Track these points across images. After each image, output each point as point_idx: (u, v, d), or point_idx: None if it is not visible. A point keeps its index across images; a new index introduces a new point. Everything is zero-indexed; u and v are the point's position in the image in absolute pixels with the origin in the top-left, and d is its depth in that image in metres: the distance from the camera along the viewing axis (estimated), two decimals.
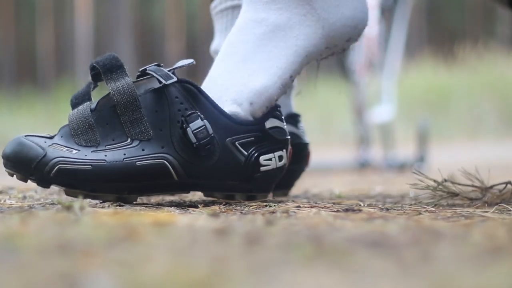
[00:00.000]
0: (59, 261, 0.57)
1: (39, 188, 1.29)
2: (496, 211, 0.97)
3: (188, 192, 1.06)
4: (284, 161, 1.06)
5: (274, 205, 1.02)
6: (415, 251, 0.63)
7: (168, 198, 1.21)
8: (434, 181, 1.09)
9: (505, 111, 7.37)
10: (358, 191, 1.41)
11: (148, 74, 1.04)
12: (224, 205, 1.04)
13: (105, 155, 1.00)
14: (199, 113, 1.01)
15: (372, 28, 3.12)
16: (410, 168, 2.79)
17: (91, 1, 13.05)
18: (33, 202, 1.05)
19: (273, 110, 1.06)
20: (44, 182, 0.99)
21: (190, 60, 1.06)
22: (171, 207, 1.02)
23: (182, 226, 0.78)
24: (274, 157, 1.05)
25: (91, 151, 1.00)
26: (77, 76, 11.78)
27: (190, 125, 1.00)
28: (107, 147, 1.00)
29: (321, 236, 0.70)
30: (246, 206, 1.03)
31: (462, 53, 8.41)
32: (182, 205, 1.03)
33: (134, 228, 0.73)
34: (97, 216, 0.83)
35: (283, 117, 1.08)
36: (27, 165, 0.98)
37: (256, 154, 1.04)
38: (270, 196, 1.26)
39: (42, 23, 13.74)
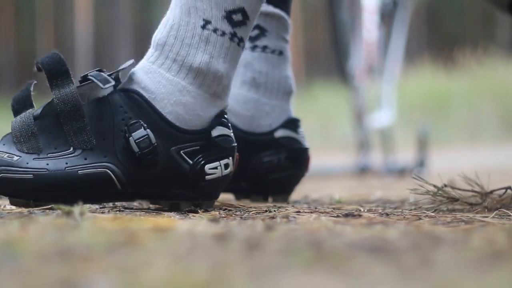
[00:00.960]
0: (59, 266, 0.57)
1: None
2: (496, 216, 0.97)
3: (132, 201, 1.06)
4: (230, 168, 1.05)
5: (274, 211, 1.02)
6: (415, 256, 0.63)
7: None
8: (434, 186, 1.09)
9: (505, 116, 7.37)
10: (358, 196, 1.41)
11: (89, 79, 1.03)
12: (224, 210, 1.04)
13: (47, 164, 0.99)
14: (142, 122, 1.00)
15: (372, 33, 3.13)
16: (410, 173, 2.79)
17: (91, 5, 13.06)
18: (33, 208, 1.04)
19: (219, 118, 1.04)
20: None
21: (131, 61, 1.05)
22: (171, 212, 1.02)
23: (182, 231, 0.78)
24: (220, 165, 1.04)
25: (33, 159, 0.99)
26: (77, 80, 11.78)
27: (133, 134, 0.99)
28: (49, 155, 1.00)
29: (321, 241, 0.70)
30: (246, 211, 1.03)
31: (461, 58, 8.41)
32: (181, 211, 1.03)
33: (134, 234, 0.73)
34: (97, 222, 0.83)
35: (229, 124, 1.06)
36: None
37: (201, 163, 1.03)
38: (270, 201, 1.26)
39: (42, 26, 13.75)
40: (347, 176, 2.93)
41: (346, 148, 4.47)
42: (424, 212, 1.03)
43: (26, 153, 1.00)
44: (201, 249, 0.66)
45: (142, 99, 1.01)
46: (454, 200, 1.09)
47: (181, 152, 1.02)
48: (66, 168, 0.99)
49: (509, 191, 1.09)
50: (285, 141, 1.26)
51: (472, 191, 1.10)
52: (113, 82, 1.02)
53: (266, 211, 1.02)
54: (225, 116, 1.05)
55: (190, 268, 0.57)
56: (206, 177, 1.03)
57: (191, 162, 1.02)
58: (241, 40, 1.04)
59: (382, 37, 3.19)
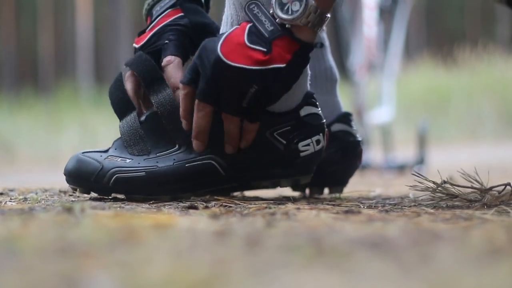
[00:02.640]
0: (59, 263, 0.57)
1: (40, 190, 1.29)
2: (495, 213, 0.97)
3: (236, 185, 1.14)
4: (321, 144, 1.14)
5: (274, 207, 1.02)
6: (415, 253, 0.63)
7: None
8: (434, 182, 1.10)
9: (504, 112, 7.37)
10: (358, 193, 1.41)
11: None
12: (224, 207, 1.05)
13: (157, 162, 1.09)
14: None
15: (372, 30, 3.13)
16: (409, 169, 2.79)
17: (92, 3, 13.05)
18: (34, 204, 1.05)
19: (307, 99, 1.12)
20: (104, 192, 1.09)
21: None
22: (171, 209, 1.02)
23: (183, 228, 0.78)
24: (312, 142, 1.13)
25: (144, 159, 1.10)
26: (78, 78, 11.76)
27: None
28: (157, 154, 1.10)
29: (321, 238, 0.71)
30: (246, 208, 1.03)
31: (461, 55, 8.40)
32: (182, 207, 1.04)
33: (135, 230, 0.73)
34: (98, 218, 0.84)
35: (317, 103, 1.14)
36: (87, 179, 1.09)
37: (294, 141, 1.11)
38: (326, 192, 1.30)
39: (43, 24, 13.74)
40: None
41: None
42: (424, 209, 1.03)
43: (137, 155, 1.10)
44: (202, 246, 0.66)
45: None
46: (453, 196, 1.09)
47: (275, 134, 1.11)
48: (174, 163, 1.09)
49: (508, 187, 1.09)
50: (341, 135, 1.30)
51: (472, 187, 1.10)
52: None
53: (266, 207, 1.02)
54: (313, 96, 1.13)
55: (191, 264, 0.58)
56: (301, 154, 1.12)
57: (284, 142, 1.11)
58: None
59: (382, 34, 3.19)
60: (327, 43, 1.33)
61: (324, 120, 1.15)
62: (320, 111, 1.14)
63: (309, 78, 1.14)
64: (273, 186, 1.14)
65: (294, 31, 1.05)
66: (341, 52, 3.12)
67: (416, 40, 13.21)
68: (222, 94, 1.05)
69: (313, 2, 1.05)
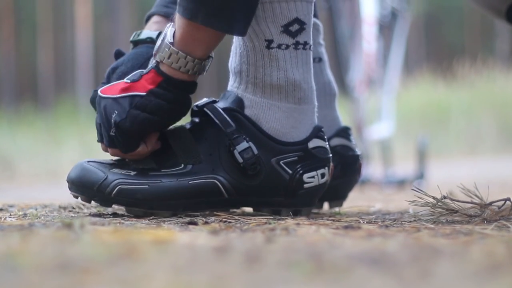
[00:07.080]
0: (59, 279, 0.57)
1: (40, 206, 1.29)
2: (495, 228, 0.97)
3: (238, 208, 1.15)
4: (326, 177, 1.15)
5: (274, 223, 1.02)
6: (415, 269, 0.63)
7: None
8: (433, 198, 1.10)
9: (504, 127, 7.37)
10: (358, 208, 1.41)
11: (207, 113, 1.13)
12: (224, 222, 1.05)
13: (161, 177, 1.10)
14: (244, 136, 1.10)
15: (371, 45, 3.13)
16: (409, 184, 2.79)
17: (91, 19, 13.08)
18: (34, 220, 1.05)
19: (316, 131, 1.14)
20: (106, 202, 1.10)
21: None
22: (171, 224, 1.02)
23: (182, 243, 0.78)
24: (317, 175, 1.13)
25: (148, 174, 1.10)
26: (77, 93, 11.78)
27: (237, 147, 1.10)
28: (162, 171, 1.10)
29: (321, 254, 0.71)
30: (246, 223, 1.03)
31: (461, 70, 8.41)
32: (182, 223, 1.04)
33: (134, 246, 0.73)
34: (97, 234, 0.84)
35: (325, 137, 1.15)
36: (90, 188, 1.09)
37: (300, 172, 1.12)
38: (325, 207, 1.30)
39: (43, 40, 13.77)
40: None
41: None
42: (424, 224, 1.03)
43: (142, 169, 1.11)
44: (201, 262, 0.66)
45: (243, 116, 1.11)
46: (453, 211, 1.09)
47: (281, 162, 1.12)
48: (178, 180, 1.10)
49: (508, 202, 1.09)
50: (340, 149, 1.30)
51: (471, 202, 1.10)
52: (233, 126, 1.11)
53: (265, 223, 1.02)
54: (322, 130, 1.15)
55: (191, 280, 0.57)
56: (305, 185, 1.13)
57: (290, 171, 1.12)
58: (305, 44, 1.13)
59: (381, 49, 3.19)
60: (325, 57, 1.33)
61: (330, 155, 1.16)
62: (327, 145, 1.16)
63: (316, 110, 1.16)
64: (273, 213, 1.14)
65: (160, 65, 1.10)
66: (341, 67, 3.13)
67: (415, 55, 13.24)
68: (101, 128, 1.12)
69: (170, 39, 1.08)
